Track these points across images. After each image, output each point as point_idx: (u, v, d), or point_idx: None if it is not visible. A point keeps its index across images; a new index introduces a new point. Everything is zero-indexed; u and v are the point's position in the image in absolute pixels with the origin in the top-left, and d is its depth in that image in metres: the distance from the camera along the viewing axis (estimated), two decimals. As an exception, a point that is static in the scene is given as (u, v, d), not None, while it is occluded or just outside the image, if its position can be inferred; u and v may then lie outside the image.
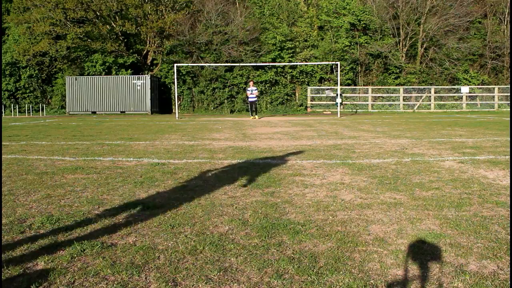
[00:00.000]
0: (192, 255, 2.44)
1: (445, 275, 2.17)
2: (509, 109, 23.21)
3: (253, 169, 5.17)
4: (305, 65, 25.89)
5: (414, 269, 2.25)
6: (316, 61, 25.44)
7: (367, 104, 25.69)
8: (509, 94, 24.48)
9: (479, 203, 3.52)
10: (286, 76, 26.73)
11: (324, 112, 24.78)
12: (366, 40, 26.64)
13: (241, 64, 24.08)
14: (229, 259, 2.38)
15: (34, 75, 25.98)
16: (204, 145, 7.89)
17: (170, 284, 2.09)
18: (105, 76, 24.84)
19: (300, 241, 2.66)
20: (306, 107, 26.03)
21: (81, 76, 25.09)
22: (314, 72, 26.61)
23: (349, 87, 26.48)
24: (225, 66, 25.45)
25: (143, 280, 2.13)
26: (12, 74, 25.90)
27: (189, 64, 24.58)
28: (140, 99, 24.55)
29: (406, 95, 25.74)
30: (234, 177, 4.68)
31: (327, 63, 25.33)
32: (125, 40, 26.26)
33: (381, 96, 26.21)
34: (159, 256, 2.43)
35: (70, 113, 24.61)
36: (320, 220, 3.09)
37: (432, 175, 4.71)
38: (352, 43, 26.63)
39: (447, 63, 26.49)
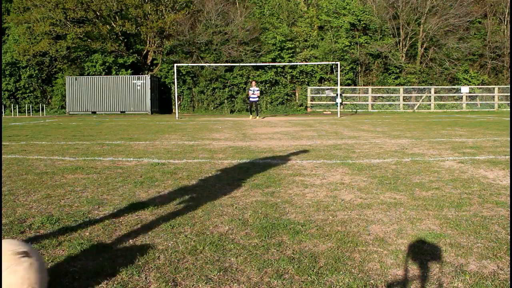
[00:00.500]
0: (192, 255, 2.44)
1: (445, 275, 2.17)
2: (509, 109, 23.20)
3: (253, 169, 5.17)
4: (305, 65, 25.89)
5: (414, 269, 2.25)
6: (316, 61, 25.44)
7: (367, 104, 25.69)
8: (509, 94, 24.48)
9: (479, 203, 3.52)
10: (286, 76, 26.73)
11: (324, 112, 24.78)
12: (366, 40, 26.64)
13: (241, 64, 24.09)
14: (229, 259, 2.38)
15: (34, 75, 25.98)
16: (204, 145, 7.89)
17: (170, 284, 2.09)
18: (105, 76, 24.84)
19: (300, 241, 2.66)
20: (306, 107, 26.03)
21: (81, 76, 25.10)
22: (314, 72, 26.61)
23: (349, 87, 26.48)
24: (225, 66, 25.45)
25: (143, 280, 2.13)
26: (12, 74, 25.91)
27: (189, 64, 24.58)
28: (140, 99, 24.55)
29: (406, 95, 25.74)
30: (234, 177, 4.68)
31: (327, 63, 25.33)
32: (125, 40, 26.26)
33: (381, 96, 26.22)
34: (159, 256, 2.43)
35: (70, 113, 24.61)
36: (320, 220, 3.09)
37: (432, 175, 4.71)
38: (352, 43, 26.63)
39: (447, 63, 26.49)
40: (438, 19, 25.45)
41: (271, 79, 26.19)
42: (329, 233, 2.80)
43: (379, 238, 2.71)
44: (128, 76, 24.95)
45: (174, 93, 22.78)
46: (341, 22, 26.51)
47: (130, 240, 2.69)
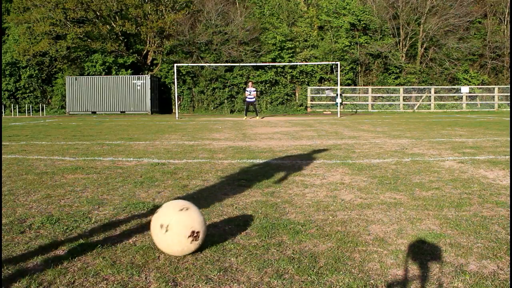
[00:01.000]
0: (192, 255, 2.44)
1: (445, 275, 2.17)
2: (509, 109, 23.21)
3: (253, 169, 5.17)
4: (305, 65, 25.89)
5: (414, 269, 2.25)
6: (316, 61, 25.44)
7: (367, 104, 25.69)
8: (509, 94, 24.48)
9: (479, 203, 3.52)
10: (286, 76, 26.74)
11: (324, 112, 24.78)
12: (366, 40, 26.64)
13: (241, 64, 24.09)
14: (229, 259, 2.38)
15: (34, 75, 25.99)
16: (204, 145, 7.89)
17: (170, 284, 2.09)
18: (105, 76, 24.84)
19: (300, 241, 2.66)
20: (306, 107, 26.03)
21: (81, 76, 25.10)
22: (314, 72, 26.61)
23: (349, 87, 26.48)
24: (225, 66, 25.46)
25: (143, 280, 2.13)
26: (12, 74, 25.91)
27: (189, 64, 24.58)
28: (140, 99, 24.56)
29: (406, 95, 25.74)
30: (234, 177, 4.68)
31: (327, 63, 25.33)
32: (125, 40, 26.26)
33: (381, 96, 26.22)
34: (159, 256, 2.43)
35: (70, 113, 24.61)
36: (320, 220, 3.09)
37: (432, 175, 4.71)
38: (352, 43, 26.64)
39: (447, 63, 26.50)
40: (438, 19, 25.45)
41: (271, 79, 26.19)
42: (329, 233, 2.80)
43: (379, 238, 2.71)
44: (128, 76, 24.95)
45: (174, 93, 22.79)
46: (341, 22, 26.52)
47: (130, 240, 2.69)
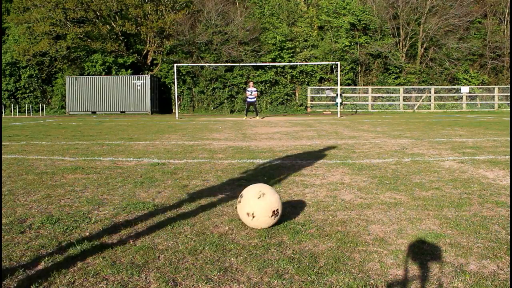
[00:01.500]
0: (192, 255, 2.44)
1: (445, 275, 2.17)
2: (509, 109, 23.21)
3: (253, 169, 5.17)
4: (305, 65, 25.89)
5: (414, 269, 2.25)
6: (316, 61, 25.45)
7: (367, 104, 25.69)
8: (509, 94, 24.48)
9: (479, 203, 3.52)
10: (286, 76, 26.74)
11: (324, 112, 24.78)
12: (366, 40, 26.65)
13: (241, 64, 24.09)
14: (229, 259, 2.38)
15: (34, 75, 25.99)
16: (204, 145, 7.89)
17: (170, 284, 2.09)
18: (105, 76, 24.85)
19: (300, 241, 2.66)
20: (306, 107, 26.03)
21: (81, 76, 25.10)
22: (314, 72, 26.61)
23: (349, 87, 26.48)
24: (225, 66, 25.46)
25: (143, 280, 2.13)
26: (12, 74, 25.91)
27: (189, 64, 24.59)
28: (140, 99, 24.56)
29: (406, 95, 25.74)
30: (234, 177, 4.68)
31: (327, 63, 25.33)
32: (125, 40, 26.26)
33: (381, 96, 26.22)
34: (159, 256, 2.43)
35: (70, 113, 24.62)
36: (320, 220, 3.09)
37: (432, 175, 4.71)
38: (352, 43, 26.64)
39: (447, 63, 26.50)
40: (438, 19, 25.45)
41: (271, 79, 26.20)
42: (329, 233, 2.81)
43: (379, 238, 2.72)
44: (128, 76, 24.95)
45: (174, 93, 22.79)
46: (341, 22, 26.52)
47: (130, 240, 2.69)
